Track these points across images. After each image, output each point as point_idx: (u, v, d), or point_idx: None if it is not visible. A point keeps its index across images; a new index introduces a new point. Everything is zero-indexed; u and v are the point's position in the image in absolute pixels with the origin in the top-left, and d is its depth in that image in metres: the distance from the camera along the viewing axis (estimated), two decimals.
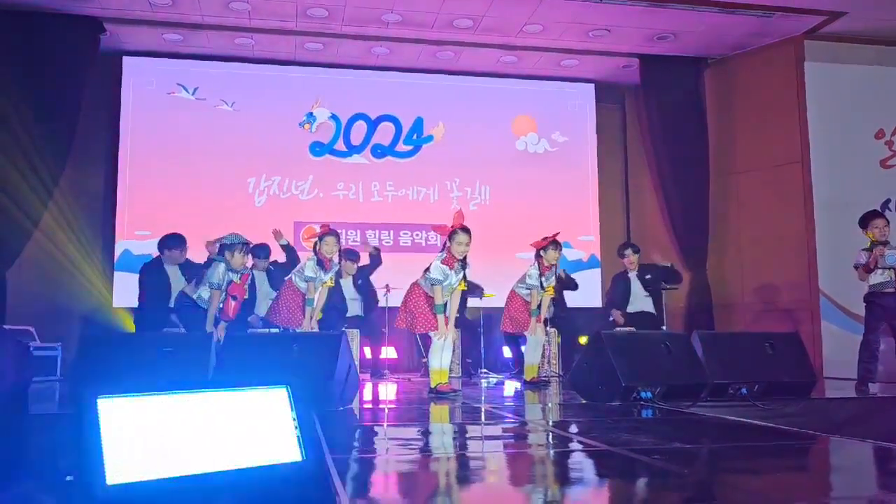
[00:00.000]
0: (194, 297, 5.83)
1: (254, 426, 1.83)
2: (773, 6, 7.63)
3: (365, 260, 7.79)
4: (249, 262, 6.32)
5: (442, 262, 5.54)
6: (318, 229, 6.16)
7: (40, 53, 7.52)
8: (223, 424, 1.78)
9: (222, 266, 5.69)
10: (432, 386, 5.60)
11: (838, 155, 8.00)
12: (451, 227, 5.62)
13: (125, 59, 8.74)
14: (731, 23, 7.96)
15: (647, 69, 8.91)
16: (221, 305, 5.80)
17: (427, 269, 5.67)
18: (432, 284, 5.57)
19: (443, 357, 5.66)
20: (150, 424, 1.69)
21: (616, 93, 9.85)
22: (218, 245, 5.95)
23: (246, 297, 6.16)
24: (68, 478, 1.60)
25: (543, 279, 6.41)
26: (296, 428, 1.90)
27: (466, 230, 5.57)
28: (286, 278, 6.20)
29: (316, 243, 6.06)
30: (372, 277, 7.83)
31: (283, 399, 1.92)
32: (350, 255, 7.55)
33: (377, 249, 7.81)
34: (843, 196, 7.74)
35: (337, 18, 7.93)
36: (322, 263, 6.01)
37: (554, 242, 6.43)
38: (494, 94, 9.49)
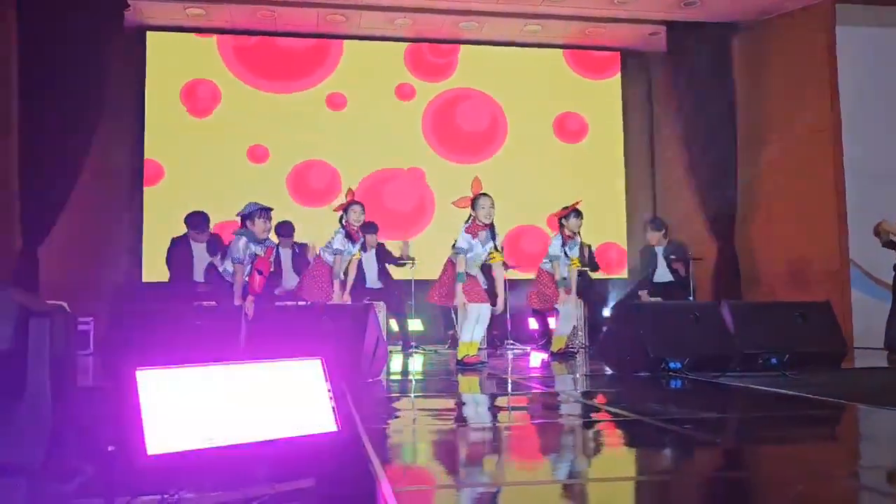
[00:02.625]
0: (220, 270, 5.82)
1: (290, 397, 1.85)
2: None
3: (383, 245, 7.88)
4: (274, 236, 6.29)
5: (466, 231, 5.54)
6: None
7: (65, 29, 7.53)
8: (260, 395, 1.81)
9: (243, 239, 5.60)
10: (459, 357, 5.62)
11: (870, 122, 7.82)
12: (472, 195, 5.62)
13: (149, 33, 8.78)
14: None
15: (673, 36, 8.76)
16: (247, 279, 5.76)
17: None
18: (457, 254, 5.57)
19: (475, 330, 5.67)
20: (189, 396, 1.71)
21: (642, 61, 9.71)
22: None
23: (272, 269, 6.12)
24: (110, 448, 1.64)
25: (566, 248, 6.39)
26: (330, 399, 1.92)
27: (487, 195, 5.58)
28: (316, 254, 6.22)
29: (342, 216, 6.07)
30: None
31: (317, 370, 1.94)
32: (369, 228, 7.56)
33: (411, 258, 7.83)
34: (874, 164, 7.59)
35: None
36: (350, 235, 6.02)
37: (575, 211, 6.40)
38: (518, 63, 9.40)
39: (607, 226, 9.29)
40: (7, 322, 1.53)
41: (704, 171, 8.67)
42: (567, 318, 6.56)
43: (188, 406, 1.70)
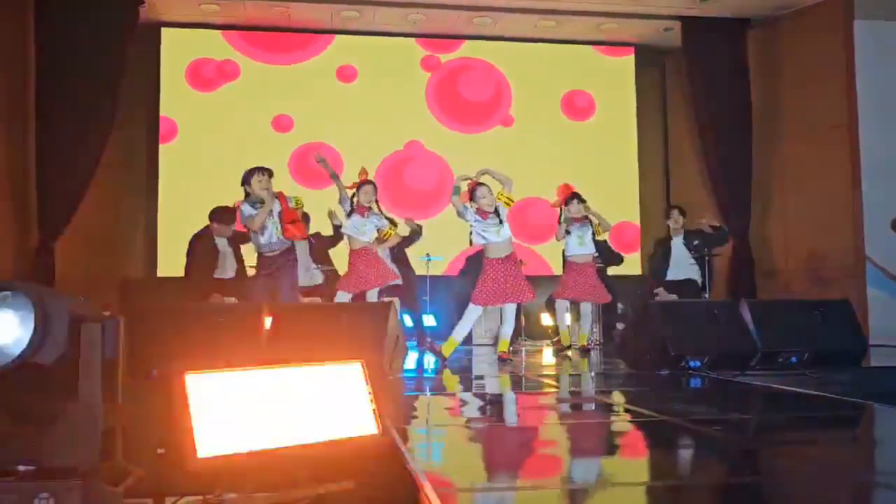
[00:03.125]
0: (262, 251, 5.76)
1: (334, 400, 1.87)
2: None
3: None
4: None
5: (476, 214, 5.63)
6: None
7: (80, 26, 7.53)
8: (305, 399, 1.83)
9: (245, 206, 5.66)
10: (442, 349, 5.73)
11: (888, 117, 7.77)
12: (469, 188, 5.68)
13: (163, 30, 8.80)
14: None
15: (688, 32, 8.72)
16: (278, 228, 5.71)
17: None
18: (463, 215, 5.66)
19: (503, 329, 5.75)
20: (236, 399, 1.73)
21: (656, 57, 9.68)
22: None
23: (300, 217, 5.97)
24: (160, 451, 1.66)
25: (573, 229, 6.44)
26: (371, 402, 1.94)
27: (483, 184, 5.67)
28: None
29: (353, 194, 6.11)
30: (409, 250, 7.80)
31: (358, 373, 1.96)
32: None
33: (418, 226, 7.64)
34: (892, 160, 7.55)
35: None
36: (358, 212, 6.05)
37: (575, 195, 6.46)
38: (533, 59, 9.40)
39: (620, 220, 9.31)
40: (61, 328, 1.56)
41: (719, 167, 8.64)
42: (585, 315, 6.66)
43: (236, 409, 1.72)
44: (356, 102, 9.09)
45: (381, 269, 6.16)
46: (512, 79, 9.42)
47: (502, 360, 5.61)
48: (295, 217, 5.74)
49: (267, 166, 5.77)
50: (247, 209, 5.64)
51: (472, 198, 5.63)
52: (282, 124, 8.98)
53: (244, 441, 1.71)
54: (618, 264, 7.85)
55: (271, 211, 5.66)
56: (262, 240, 5.68)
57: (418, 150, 9.24)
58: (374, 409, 1.93)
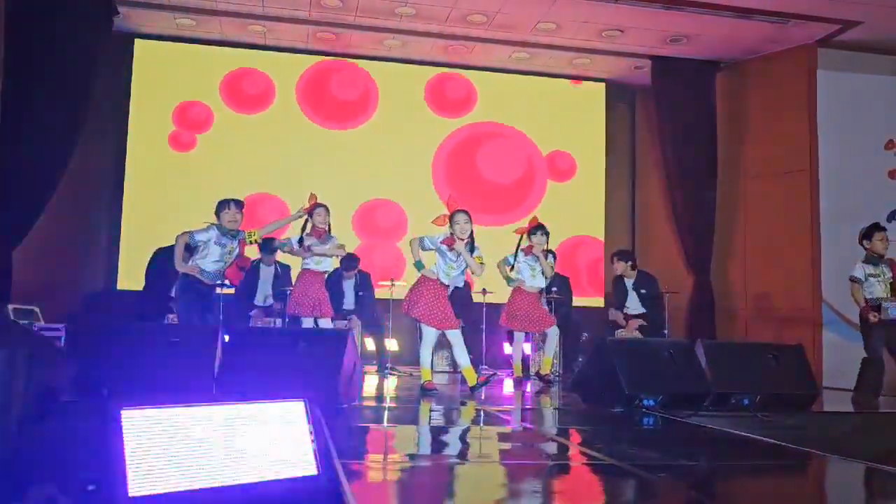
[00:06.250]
0: (198, 274, 5.60)
1: (272, 439, 1.86)
2: (789, 13, 7.62)
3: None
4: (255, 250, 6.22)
5: (442, 242, 5.62)
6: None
7: (54, 32, 7.46)
8: (243, 437, 1.81)
9: (214, 231, 5.57)
10: (421, 382, 5.70)
11: (846, 164, 8.00)
12: (448, 212, 5.69)
13: (137, 41, 8.75)
14: (745, 28, 7.94)
15: (658, 70, 8.90)
16: (221, 267, 5.68)
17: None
18: (420, 245, 5.69)
19: (459, 357, 5.76)
20: (172, 437, 1.71)
21: (627, 93, 9.85)
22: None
23: (245, 265, 5.96)
24: (90, 487, 1.63)
25: (524, 260, 6.50)
26: (312, 442, 1.93)
27: (463, 211, 5.65)
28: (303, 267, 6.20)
29: (307, 220, 6.13)
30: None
31: (300, 412, 1.95)
32: (349, 262, 7.56)
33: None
34: (849, 206, 7.75)
35: (350, 9, 7.92)
36: (314, 235, 6.08)
37: (542, 228, 6.51)
38: (505, 89, 9.49)
39: (585, 252, 9.41)
40: None
41: (683, 204, 8.78)
42: (551, 341, 6.70)
43: (171, 447, 1.70)
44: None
45: (322, 299, 6.15)
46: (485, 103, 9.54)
47: (472, 390, 5.63)
48: (245, 263, 5.72)
49: (237, 198, 5.72)
50: (200, 235, 5.54)
51: (450, 222, 5.63)
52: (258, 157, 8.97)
53: (178, 480, 1.69)
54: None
55: (231, 248, 5.64)
56: (207, 265, 5.55)
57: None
58: (314, 450, 1.91)
